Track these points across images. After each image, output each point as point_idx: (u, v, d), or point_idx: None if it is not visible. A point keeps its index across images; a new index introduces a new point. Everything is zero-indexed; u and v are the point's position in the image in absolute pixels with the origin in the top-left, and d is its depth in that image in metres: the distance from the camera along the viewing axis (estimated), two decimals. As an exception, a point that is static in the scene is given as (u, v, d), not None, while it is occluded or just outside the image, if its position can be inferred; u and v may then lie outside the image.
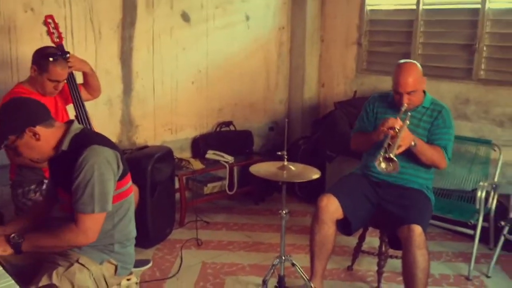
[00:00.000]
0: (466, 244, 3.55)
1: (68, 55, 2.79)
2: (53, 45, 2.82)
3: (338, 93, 4.78)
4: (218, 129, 4.47)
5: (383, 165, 2.51)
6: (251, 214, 4.21)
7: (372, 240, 3.37)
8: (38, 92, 2.71)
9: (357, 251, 3.17)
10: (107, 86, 3.67)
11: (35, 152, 1.91)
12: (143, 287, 2.97)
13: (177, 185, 3.88)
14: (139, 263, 3.09)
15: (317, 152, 4.39)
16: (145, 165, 3.38)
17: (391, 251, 2.94)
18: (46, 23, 2.83)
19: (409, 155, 2.65)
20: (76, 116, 2.88)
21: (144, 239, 3.30)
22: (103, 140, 1.93)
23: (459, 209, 3.32)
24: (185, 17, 4.07)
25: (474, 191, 3.35)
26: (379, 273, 2.95)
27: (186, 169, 3.97)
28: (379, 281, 2.97)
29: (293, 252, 3.43)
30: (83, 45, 3.53)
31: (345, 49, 4.70)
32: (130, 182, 2.05)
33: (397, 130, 2.51)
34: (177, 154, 4.04)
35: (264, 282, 2.72)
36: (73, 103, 2.91)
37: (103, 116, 3.70)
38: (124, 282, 2.06)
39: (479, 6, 3.72)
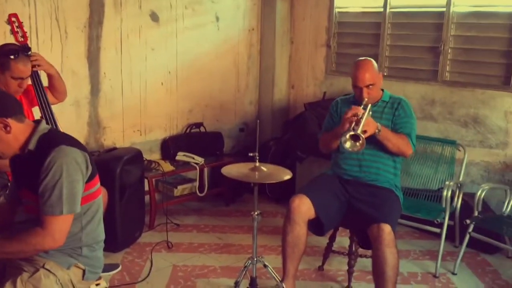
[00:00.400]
0: (432, 242, 3.63)
1: (30, 52, 2.72)
2: (9, 42, 2.74)
3: (308, 94, 4.82)
4: (188, 130, 4.43)
5: (348, 144, 2.60)
6: (222, 215, 4.19)
7: (342, 240, 3.41)
8: None
9: (328, 251, 3.20)
10: (74, 87, 3.60)
11: (2, 145, 1.84)
12: (112, 292, 2.92)
13: (146, 188, 3.82)
14: (108, 268, 3.04)
15: (287, 153, 4.41)
16: (114, 168, 3.33)
17: (361, 251, 2.97)
18: (10, 22, 2.77)
19: (377, 147, 2.79)
20: (42, 118, 2.80)
21: (113, 243, 3.25)
22: (71, 141, 1.89)
23: (426, 208, 3.39)
24: (154, 17, 4.03)
25: (440, 190, 3.44)
26: (350, 272, 2.98)
27: (155, 171, 3.93)
28: (349, 280, 3.00)
29: (265, 253, 3.44)
30: (48, 45, 3.45)
31: (314, 51, 4.74)
32: (99, 184, 2.00)
33: (359, 116, 2.63)
34: (146, 156, 3.99)
35: (236, 284, 2.71)
36: (38, 105, 2.83)
37: (70, 118, 3.62)
38: (93, 287, 2.02)
39: (444, 9, 3.82)
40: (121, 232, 3.39)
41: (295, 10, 4.82)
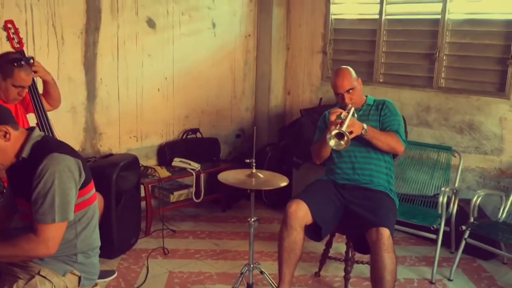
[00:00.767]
0: (428, 248, 3.64)
1: (32, 60, 2.73)
2: (13, 51, 2.74)
3: (304, 100, 4.84)
4: (184, 136, 4.43)
5: (332, 142, 2.66)
6: (218, 221, 4.19)
7: (339, 246, 3.41)
8: (0, 99, 2.64)
9: (324, 257, 3.20)
10: (71, 93, 3.60)
11: (2, 155, 1.84)
12: (108, 299, 2.91)
13: (143, 194, 3.82)
14: (103, 274, 3.03)
15: (284, 159, 4.42)
16: (110, 174, 3.32)
17: (357, 257, 2.97)
18: (6, 28, 2.76)
19: (368, 149, 2.85)
20: (38, 124, 2.80)
21: (109, 249, 3.24)
22: (64, 148, 1.88)
23: (422, 214, 3.40)
24: (151, 23, 4.04)
25: (436, 196, 3.45)
26: (346, 278, 2.98)
27: (152, 177, 3.92)
28: (346, 286, 3.00)
29: (261, 260, 3.43)
30: (45, 51, 3.45)
31: (310, 57, 4.76)
32: (94, 190, 2.00)
33: (342, 118, 2.71)
34: (142, 162, 3.98)
35: (232, 291, 2.70)
36: (34, 111, 2.83)
37: (66, 124, 3.61)
38: (88, 294, 2.01)
39: (439, 16, 3.85)
40: (117, 238, 3.37)
41: (291, 17, 4.84)
